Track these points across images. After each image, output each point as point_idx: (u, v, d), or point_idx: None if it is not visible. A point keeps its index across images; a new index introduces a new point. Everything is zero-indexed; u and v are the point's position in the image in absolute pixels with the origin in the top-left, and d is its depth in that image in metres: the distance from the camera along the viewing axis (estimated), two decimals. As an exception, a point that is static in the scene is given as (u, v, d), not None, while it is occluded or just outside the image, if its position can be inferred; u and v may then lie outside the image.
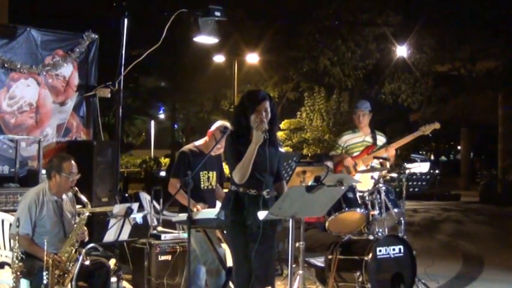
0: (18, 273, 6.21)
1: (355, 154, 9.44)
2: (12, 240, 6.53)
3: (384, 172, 8.65)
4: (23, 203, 6.85)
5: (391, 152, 9.32)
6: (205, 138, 7.76)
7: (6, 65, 9.44)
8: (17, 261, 6.18)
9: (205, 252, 7.23)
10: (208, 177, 7.61)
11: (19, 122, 9.68)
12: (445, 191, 30.64)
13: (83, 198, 6.92)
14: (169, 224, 8.48)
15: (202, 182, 7.56)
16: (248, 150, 5.80)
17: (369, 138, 9.55)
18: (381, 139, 9.63)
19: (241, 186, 5.90)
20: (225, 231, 6.38)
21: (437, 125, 9.38)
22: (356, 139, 9.55)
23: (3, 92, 9.51)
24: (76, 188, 6.90)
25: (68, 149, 9.38)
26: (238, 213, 5.90)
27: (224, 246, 7.16)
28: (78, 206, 7.23)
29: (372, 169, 8.95)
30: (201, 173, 7.52)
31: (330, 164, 8.60)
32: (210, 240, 7.05)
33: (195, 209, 7.04)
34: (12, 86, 9.60)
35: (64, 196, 7.00)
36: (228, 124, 7.43)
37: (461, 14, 27.18)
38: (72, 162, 6.92)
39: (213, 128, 7.70)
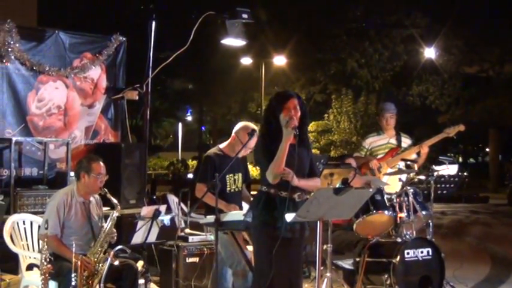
0: (47, 274, 6.23)
1: (379, 156, 9.39)
2: (40, 242, 6.56)
3: (412, 174, 8.61)
4: (51, 204, 6.88)
5: (424, 149, 9.24)
6: (229, 140, 7.70)
7: (35, 68, 9.51)
8: (45, 263, 6.19)
9: (230, 254, 7.19)
10: (235, 180, 7.54)
11: (48, 124, 9.75)
12: (473, 193, 30.41)
13: (113, 199, 6.93)
14: (197, 226, 8.48)
15: (228, 186, 7.49)
16: (279, 148, 5.64)
17: (393, 141, 9.49)
18: (406, 141, 9.57)
19: (273, 188, 5.76)
20: (251, 233, 6.24)
21: (461, 127, 9.29)
22: (380, 141, 9.50)
23: (32, 95, 9.58)
24: (105, 189, 6.92)
25: (96, 151, 9.35)
26: (268, 214, 5.77)
27: (250, 248, 7.12)
28: (105, 208, 7.26)
29: (400, 171, 8.90)
30: (227, 176, 7.45)
31: (352, 161, 8.55)
32: (238, 242, 7.03)
33: (228, 211, 7.01)
34: (41, 89, 9.67)
35: (91, 198, 7.04)
36: (251, 125, 7.41)
37: (490, 15, 27.05)
38: (101, 163, 6.94)
39: (236, 129, 7.60)
